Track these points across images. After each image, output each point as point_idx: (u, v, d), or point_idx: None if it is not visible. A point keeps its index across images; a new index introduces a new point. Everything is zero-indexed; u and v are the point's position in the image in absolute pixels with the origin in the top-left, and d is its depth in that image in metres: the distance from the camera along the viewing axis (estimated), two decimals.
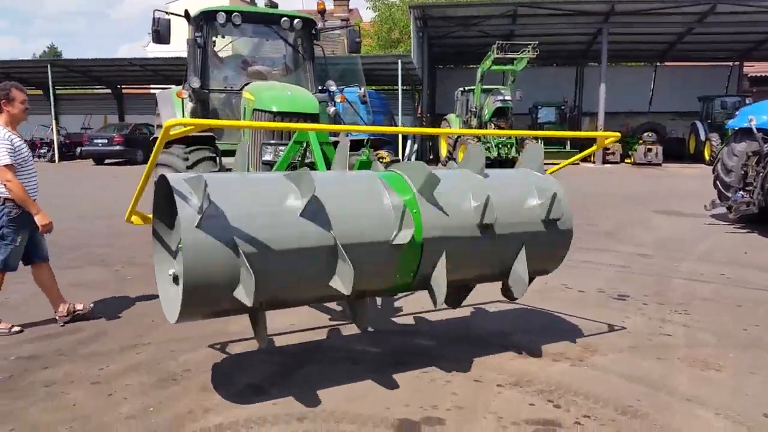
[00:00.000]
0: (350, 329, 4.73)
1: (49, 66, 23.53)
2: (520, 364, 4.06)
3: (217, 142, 7.24)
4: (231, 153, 6.33)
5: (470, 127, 21.76)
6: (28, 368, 3.91)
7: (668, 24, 24.63)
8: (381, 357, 4.18)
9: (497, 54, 19.56)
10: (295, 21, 7.18)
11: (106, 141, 23.80)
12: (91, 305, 5.03)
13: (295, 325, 4.79)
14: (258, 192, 3.13)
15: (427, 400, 3.48)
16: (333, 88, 7.24)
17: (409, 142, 22.21)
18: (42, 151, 24.78)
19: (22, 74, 26.92)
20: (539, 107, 27.16)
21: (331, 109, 7.24)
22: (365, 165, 4.07)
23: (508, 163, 21.01)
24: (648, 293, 5.93)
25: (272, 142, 5.68)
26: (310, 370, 3.92)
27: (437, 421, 3.24)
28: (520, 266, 3.78)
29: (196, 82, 6.78)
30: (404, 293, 5.15)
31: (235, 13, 6.89)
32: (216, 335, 4.50)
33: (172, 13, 6.88)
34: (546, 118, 27.06)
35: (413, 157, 22.15)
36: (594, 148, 4.43)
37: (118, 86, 31.35)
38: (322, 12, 7.57)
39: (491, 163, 21.21)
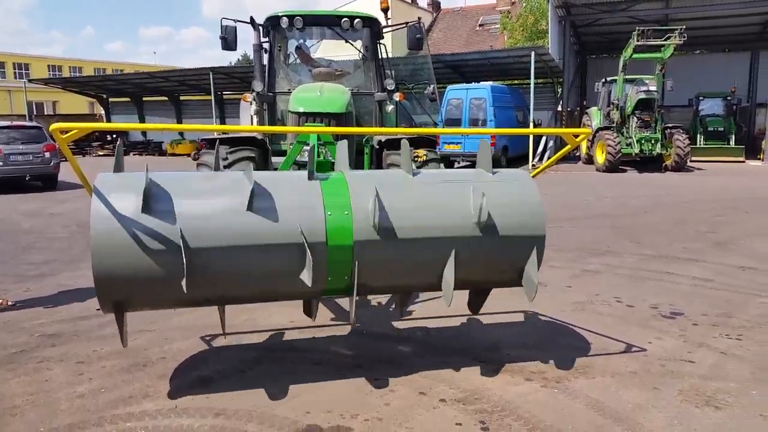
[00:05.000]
0: (341, 330, 4.73)
1: (210, 74, 26.04)
2: (483, 380, 3.78)
3: (282, 142, 7.57)
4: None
5: (612, 121, 20.27)
6: (40, 344, 4.45)
7: None
8: (347, 360, 4.13)
9: (638, 41, 17.95)
10: (356, 21, 7.25)
11: None
12: (11, 302, 5.53)
13: (294, 322, 4.89)
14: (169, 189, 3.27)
15: (354, 408, 3.39)
16: (390, 86, 7.19)
17: (544, 139, 21.22)
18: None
19: (191, 81, 30.11)
20: (701, 98, 24.44)
21: (389, 107, 7.22)
22: (323, 166, 4.04)
23: (654, 160, 19.29)
24: (710, 313, 5.17)
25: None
26: (268, 368, 4.00)
27: (345, 430, 3.15)
28: (448, 273, 3.50)
29: (258, 86, 7.12)
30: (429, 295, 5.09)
31: (297, 17, 7.13)
32: (216, 327, 4.72)
33: (238, 20, 7.31)
34: (709, 110, 24.27)
35: (547, 155, 21.12)
36: (568, 148, 3.92)
37: None
38: (385, 10, 7.56)
39: (633, 161, 19.61)
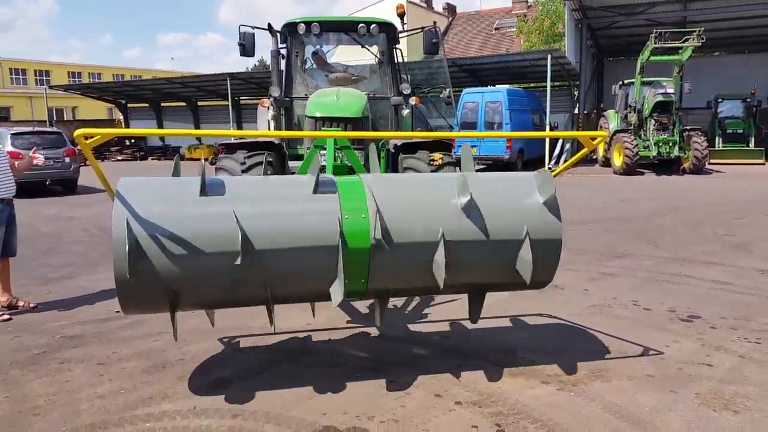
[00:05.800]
0: (359, 333, 4.76)
1: (228, 79, 26.29)
2: (499, 383, 3.78)
3: (299, 147, 7.64)
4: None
5: (629, 124, 20.11)
6: (61, 346, 4.53)
7: None
8: (363, 363, 4.16)
9: (655, 43, 17.81)
10: (372, 26, 7.29)
11: None
12: (32, 305, 5.60)
13: (311, 324, 4.92)
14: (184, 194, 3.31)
15: (370, 410, 3.41)
16: (406, 90, 7.22)
17: (560, 142, 21.10)
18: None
19: (208, 87, 30.38)
20: (720, 100, 24.16)
21: (405, 111, 7.25)
22: (340, 170, 4.08)
23: (672, 162, 19.09)
24: (728, 316, 5.12)
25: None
26: (285, 370, 4.03)
27: (361, 431, 3.18)
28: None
29: (276, 91, 7.19)
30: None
31: (314, 23, 7.20)
32: (233, 329, 4.80)
33: (256, 27, 7.39)
34: (728, 112, 23.96)
35: (563, 158, 21.00)
36: (584, 151, 3.91)
37: None
38: (401, 15, 7.59)
39: (650, 163, 19.44)
